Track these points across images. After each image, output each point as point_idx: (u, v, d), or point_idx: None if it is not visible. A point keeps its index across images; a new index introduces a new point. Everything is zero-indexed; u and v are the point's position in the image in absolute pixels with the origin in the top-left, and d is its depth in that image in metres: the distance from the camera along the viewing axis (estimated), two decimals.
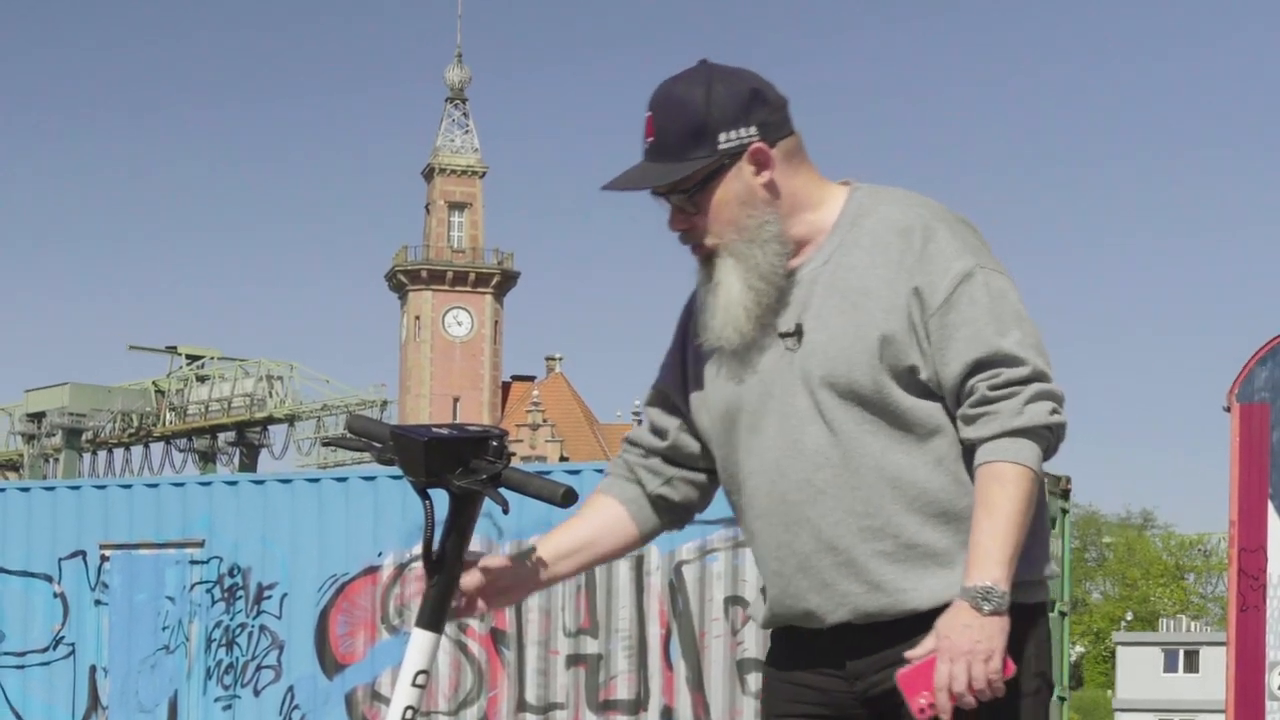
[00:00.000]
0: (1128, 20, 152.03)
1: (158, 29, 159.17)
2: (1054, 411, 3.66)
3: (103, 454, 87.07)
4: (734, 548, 15.28)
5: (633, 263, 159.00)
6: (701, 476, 4.00)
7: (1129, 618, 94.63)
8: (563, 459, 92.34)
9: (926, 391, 3.71)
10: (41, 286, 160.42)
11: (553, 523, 14.78)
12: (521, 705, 15.85)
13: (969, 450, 3.69)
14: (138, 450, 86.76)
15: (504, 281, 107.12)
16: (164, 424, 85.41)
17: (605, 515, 4.00)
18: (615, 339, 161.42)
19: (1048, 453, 3.68)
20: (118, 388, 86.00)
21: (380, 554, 16.31)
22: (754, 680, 15.18)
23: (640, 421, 4.11)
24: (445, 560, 3.58)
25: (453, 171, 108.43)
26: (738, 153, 3.74)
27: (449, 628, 17.73)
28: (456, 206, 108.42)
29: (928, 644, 3.63)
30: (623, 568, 15.61)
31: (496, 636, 15.96)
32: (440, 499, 3.55)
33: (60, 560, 17.29)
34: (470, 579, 3.76)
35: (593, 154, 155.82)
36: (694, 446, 3.96)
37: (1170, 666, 78.15)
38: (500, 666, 15.96)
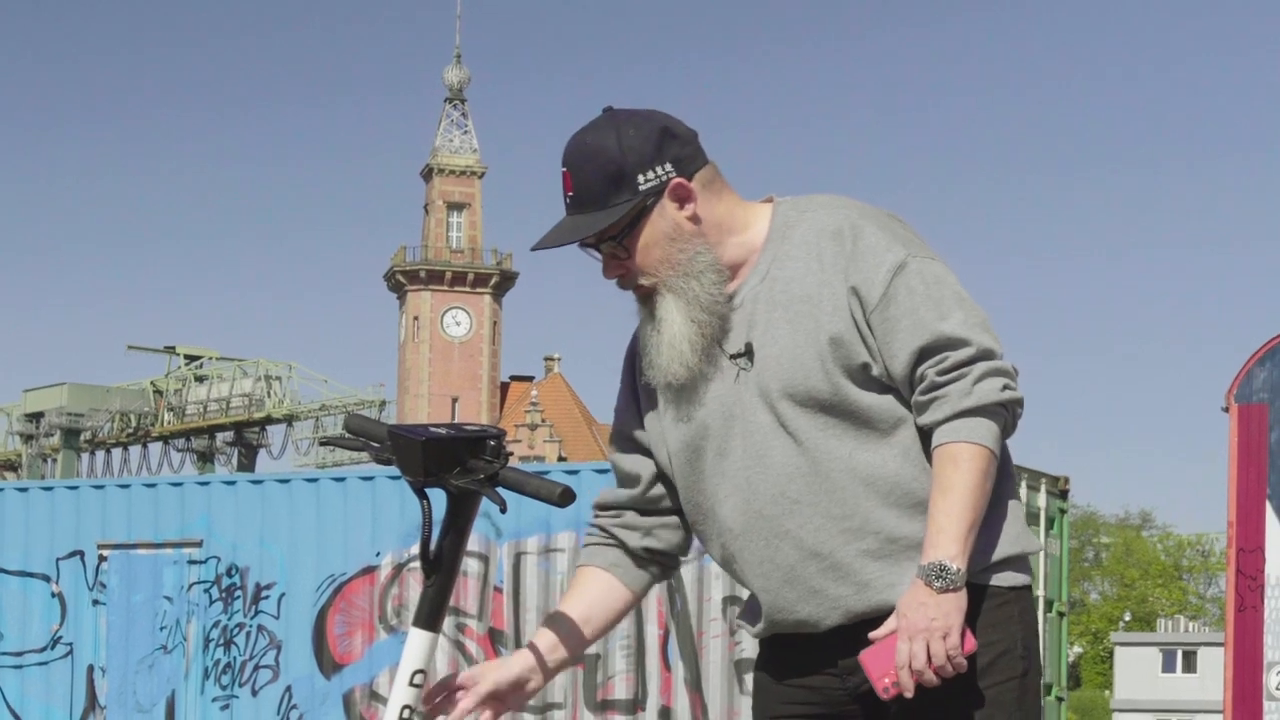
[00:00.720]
0: (1136, 21, 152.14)
1: (155, 29, 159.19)
2: (1005, 388, 3.69)
3: (101, 454, 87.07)
4: None
5: None
6: (677, 518, 4.02)
7: (1127, 618, 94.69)
8: (561, 459, 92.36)
9: (882, 386, 3.74)
10: (40, 286, 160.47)
11: (551, 523, 14.70)
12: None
13: (928, 437, 3.72)
14: (136, 450, 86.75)
15: (502, 282, 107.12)
16: (162, 424, 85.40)
17: (594, 588, 4.03)
18: (614, 339, 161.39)
19: (1005, 430, 3.71)
20: (116, 388, 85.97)
21: (378, 554, 16.31)
22: (751, 680, 15.19)
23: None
24: (443, 560, 3.58)
25: (451, 172, 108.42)
26: (658, 191, 3.78)
27: (446, 627, 17.54)
28: (455, 207, 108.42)
29: (889, 624, 3.66)
30: None
31: (494, 636, 15.96)
32: (438, 499, 3.55)
33: (58, 560, 17.28)
34: (479, 691, 3.86)
35: None
36: (666, 486, 3.99)
37: (1168, 667, 78.19)
38: None
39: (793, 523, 3.77)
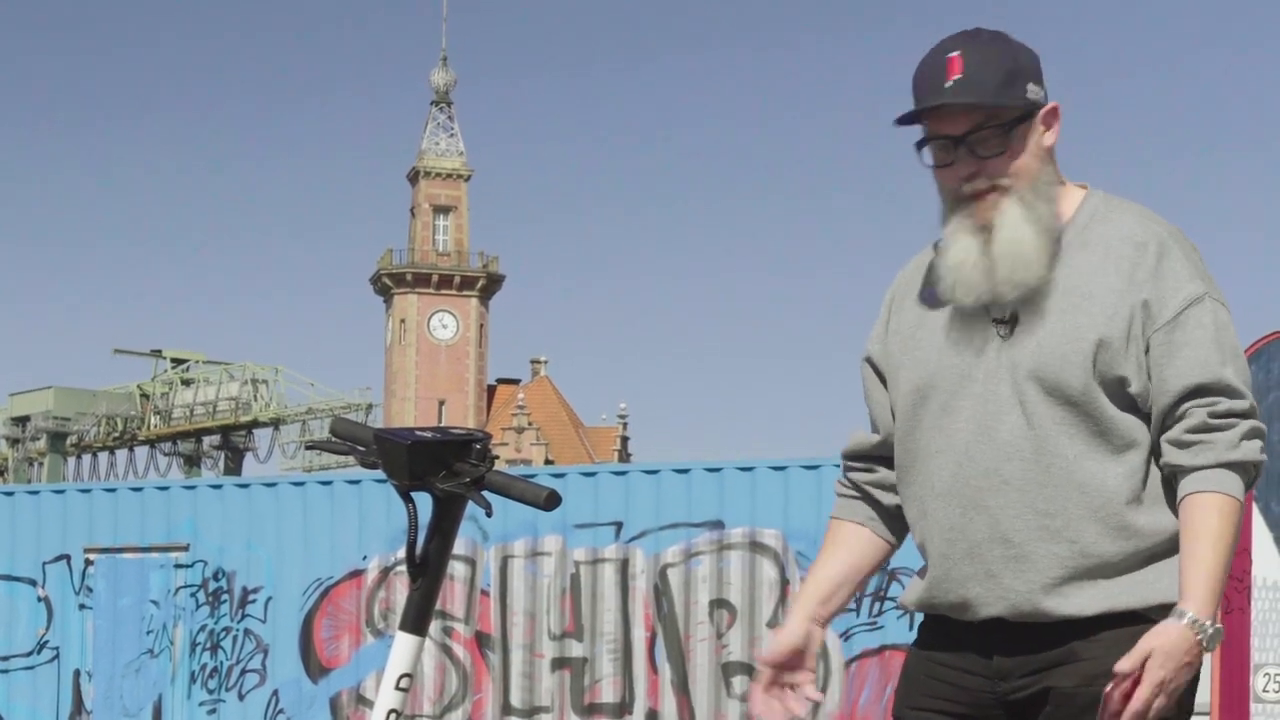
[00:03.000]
0: (1125, 21, 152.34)
1: (143, 32, 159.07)
2: (1263, 449, 3.66)
3: (87, 458, 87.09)
4: (718, 550, 15.28)
5: (618, 266, 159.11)
6: None
7: None
8: (548, 462, 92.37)
9: (1131, 404, 3.68)
10: (26, 289, 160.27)
11: (538, 526, 14.66)
12: (506, 709, 15.84)
13: (1168, 473, 3.68)
14: (122, 454, 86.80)
15: (489, 285, 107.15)
16: (149, 427, 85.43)
17: (853, 543, 4.02)
18: (601, 342, 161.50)
19: (1247, 489, 3.66)
20: (102, 391, 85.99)
21: (365, 557, 16.30)
22: (739, 683, 15.18)
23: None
24: (429, 563, 3.57)
25: (438, 175, 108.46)
26: (1037, 108, 3.75)
27: (433, 631, 17.46)
28: (441, 210, 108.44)
29: (1142, 652, 3.57)
30: (608, 570, 15.61)
31: (481, 640, 15.95)
32: (424, 502, 3.53)
33: (44, 564, 17.25)
34: (764, 674, 3.92)
35: (578, 156, 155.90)
36: None
37: None
38: (485, 670, 15.95)
39: (995, 501, 3.72)
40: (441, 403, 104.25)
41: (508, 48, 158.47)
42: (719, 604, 15.28)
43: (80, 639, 17.15)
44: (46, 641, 17.30)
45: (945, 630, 3.86)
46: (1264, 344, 13.63)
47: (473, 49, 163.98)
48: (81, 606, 17.15)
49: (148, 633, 16.94)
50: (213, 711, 16.76)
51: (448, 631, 15.97)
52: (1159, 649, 3.55)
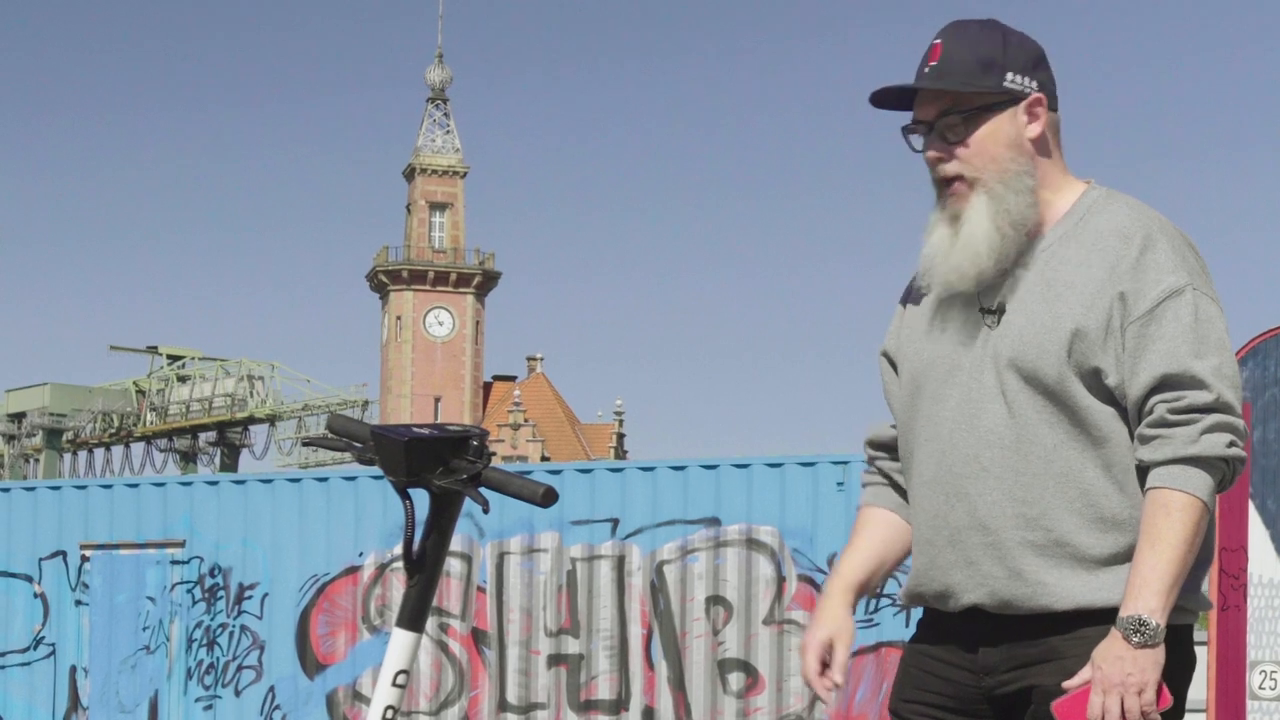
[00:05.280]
0: (1116, 22, 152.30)
1: (138, 30, 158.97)
2: (1231, 444, 3.61)
3: (83, 454, 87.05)
4: (715, 547, 15.28)
5: (614, 262, 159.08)
6: None
7: None
8: (544, 459, 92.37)
9: (1109, 397, 3.68)
10: (22, 286, 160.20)
11: (534, 523, 14.62)
12: (503, 705, 15.84)
13: (1141, 468, 3.66)
14: (118, 450, 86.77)
15: (485, 282, 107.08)
16: (145, 424, 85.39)
17: (883, 530, 4.04)
18: (596, 339, 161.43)
19: (1221, 485, 3.62)
20: (98, 388, 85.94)
21: (361, 554, 16.29)
22: (735, 680, 15.18)
23: None
24: (426, 560, 3.57)
25: (434, 172, 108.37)
26: (1018, 98, 3.76)
27: (430, 627, 17.50)
28: (437, 207, 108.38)
29: (1084, 674, 3.60)
30: (604, 567, 15.60)
31: (478, 636, 15.95)
32: (421, 499, 3.53)
33: (40, 560, 17.25)
34: (842, 661, 3.90)
35: (574, 154, 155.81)
36: None
37: None
38: (481, 666, 15.94)
39: (974, 488, 3.74)
40: (438, 399, 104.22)
41: (504, 44, 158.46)
42: (715, 601, 15.27)
43: (76, 635, 17.15)
44: (43, 638, 17.29)
45: (934, 624, 3.89)
46: (1261, 341, 13.65)
47: (469, 46, 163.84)
48: (78, 603, 17.15)
49: (144, 629, 16.94)
50: (209, 708, 16.75)
51: (444, 628, 15.96)
52: (1095, 657, 3.59)
